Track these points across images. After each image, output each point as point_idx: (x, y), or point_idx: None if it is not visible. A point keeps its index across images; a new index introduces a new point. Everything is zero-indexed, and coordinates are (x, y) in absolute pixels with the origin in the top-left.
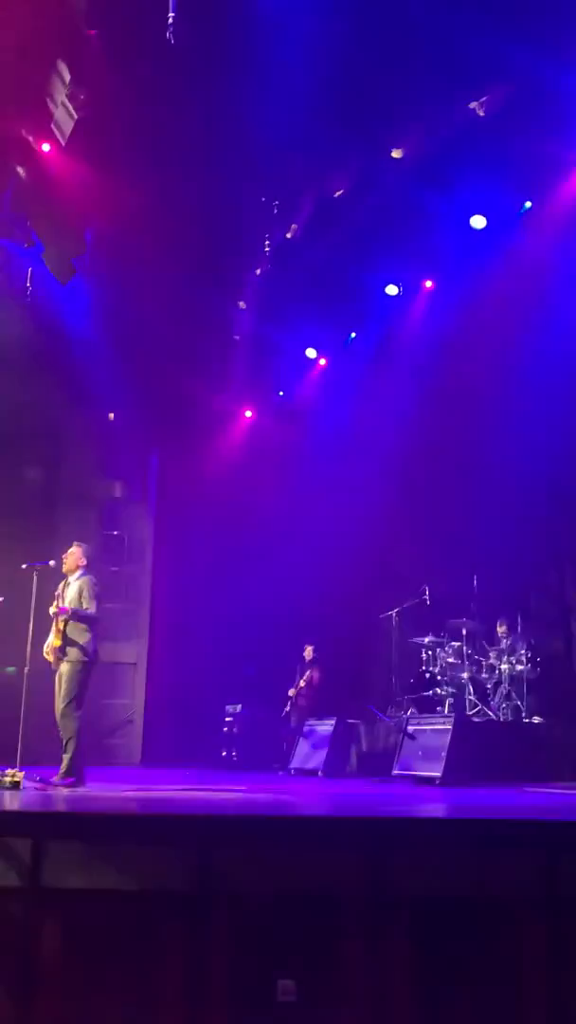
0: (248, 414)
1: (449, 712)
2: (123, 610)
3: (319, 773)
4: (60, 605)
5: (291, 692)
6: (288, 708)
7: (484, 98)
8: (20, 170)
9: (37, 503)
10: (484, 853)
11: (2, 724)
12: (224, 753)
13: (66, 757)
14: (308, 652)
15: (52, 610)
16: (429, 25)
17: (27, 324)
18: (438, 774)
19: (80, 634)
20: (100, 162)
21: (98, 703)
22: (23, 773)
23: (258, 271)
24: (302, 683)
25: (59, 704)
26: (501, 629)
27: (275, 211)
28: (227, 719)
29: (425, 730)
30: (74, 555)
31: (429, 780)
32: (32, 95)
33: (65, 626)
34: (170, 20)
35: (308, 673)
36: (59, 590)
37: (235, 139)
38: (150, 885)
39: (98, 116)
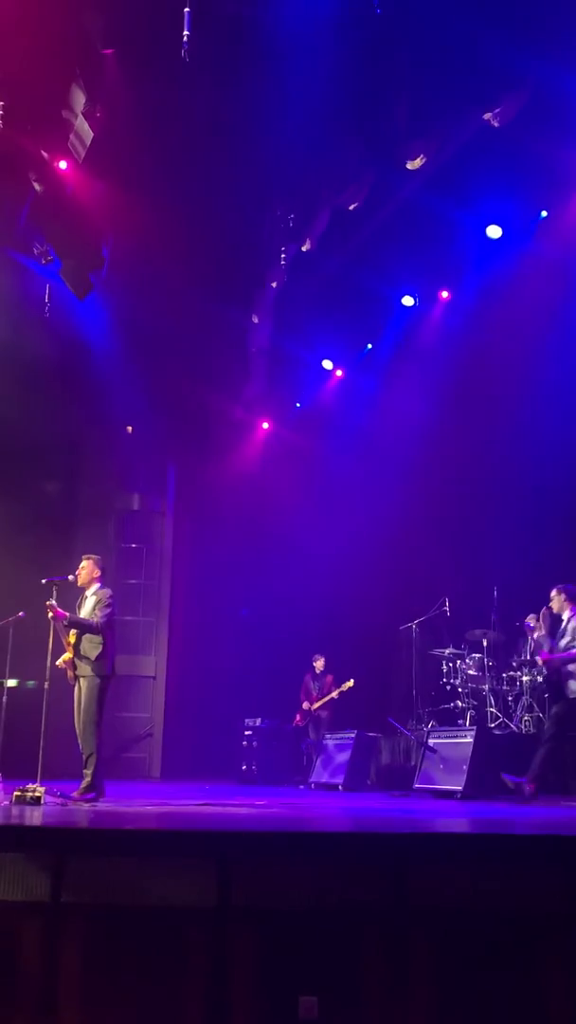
0: (265, 425)
1: (470, 725)
2: (142, 623)
3: (339, 787)
4: (56, 608)
5: (307, 706)
6: (299, 719)
7: (498, 109)
8: (38, 187)
9: (56, 516)
10: (507, 868)
11: (23, 739)
12: (244, 767)
13: (87, 772)
14: (320, 663)
15: (49, 615)
16: (441, 37)
17: (45, 339)
18: (460, 788)
19: (93, 648)
20: (116, 178)
21: (117, 716)
22: (44, 788)
23: (274, 284)
24: (336, 694)
25: (79, 720)
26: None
27: (291, 224)
28: (246, 732)
29: (446, 743)
30: (87, 568)
31: (450, 794)
32: (49, 113)
33: (77, 639)
34: (185, 38)
35: (332, 686)
36: (77, 604)
37: (250, 153)
38: (171, 901)
39: (114, 133)
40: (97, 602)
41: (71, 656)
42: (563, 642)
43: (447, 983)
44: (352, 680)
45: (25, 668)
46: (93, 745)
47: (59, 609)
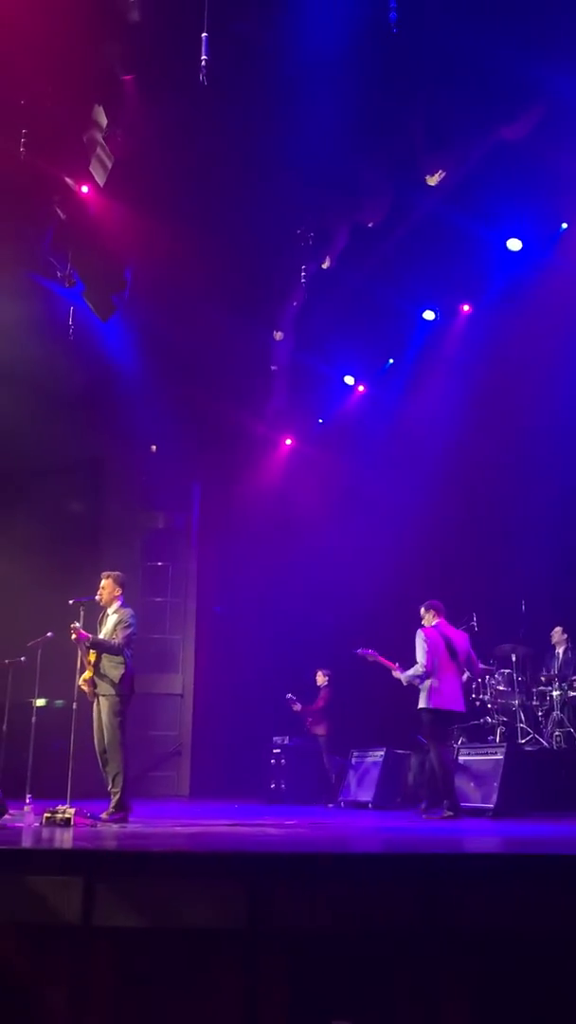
0: (288, 442)
1: (500, 741)
2: (168, 641)
3: (369, 805)
4: (79, 631)
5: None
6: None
7: (515, 122)
8: (60, 212)
9: (82, 536)
10: (542, 889)
11: (52, 759)
12: (272, 785)
13: (115, 792)
14: (320, 678)
15: (72, 636)
16: (456, 52)
17: (70, 360)
18: (491, 806)
19: (113, 668)
20: (137, 201)
21: (145, 735)
22: (74, 809)
23: (295, 303)
24: (297, 709)
25: (103, 740)
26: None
27: (310, 242)
28: (275, 750)
29: (476, 760)
30: (107, 587)
31: (482, 812)
32: (70, 139)
33: (97, 659)
34: (203, 62)
35: (321, 701)
36: (99, 622)
37: (269, 173)
38: (202, 924)
39: (135, 157)
40: (119, 621)
41: (91, 675)
42: None
43: (482, 1007)
44: (299, 706)
45: (54, 688)
46: (119, 764)
47: (82, 631)
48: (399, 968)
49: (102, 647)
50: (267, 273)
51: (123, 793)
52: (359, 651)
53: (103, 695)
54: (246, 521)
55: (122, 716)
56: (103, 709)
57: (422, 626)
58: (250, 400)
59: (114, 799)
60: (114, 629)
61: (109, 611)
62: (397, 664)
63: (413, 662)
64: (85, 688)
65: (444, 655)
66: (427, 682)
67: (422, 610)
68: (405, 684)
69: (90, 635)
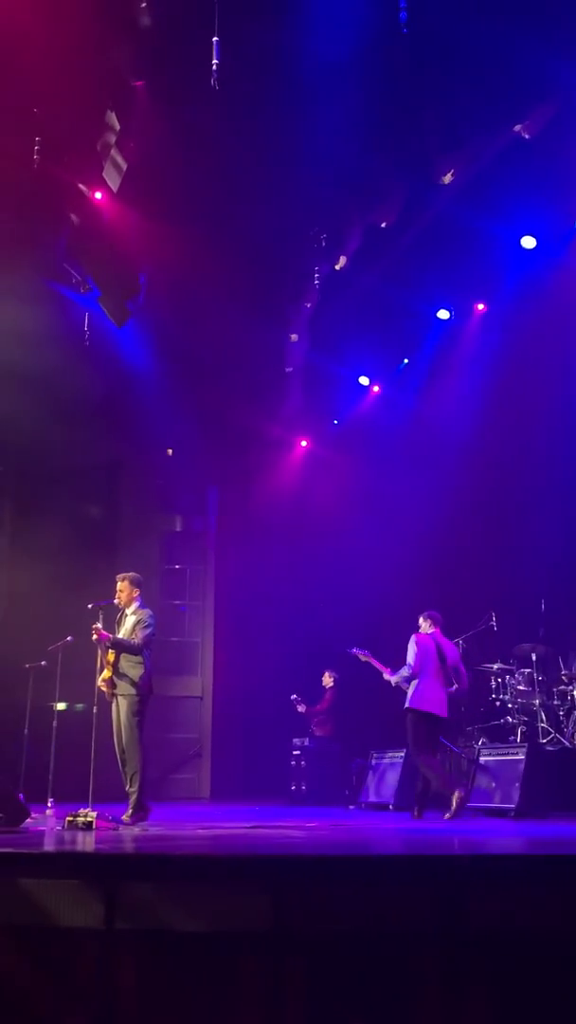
0: (304, 443)
1: (521, 741)
2: (187, 643)
3: (390, 807)
4: (100, 630)
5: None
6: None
7: (528, 120)
8: (74, 218)
9: (100, 539)
10: (565, 890)
11: (73, 763)
12: (293, 787)
13: (132, 792)
14: (327, 679)
15: (93, 637)
16: (468, 51)
17: (86, 365)
18: (513, 806)
19: (132, 667)
20: (151, 206)
21: (165, 737)
22: (95, 813)
23: (308, 304)
24: (300, 710)
25: (121, 739)
26: None
27: (323, 244)
28: (295, 752)
29: (497, 760)
30: (124, 589)
31: (503, 812)
32: (83, 145)
33: (116, 658)
34: (214, 66)
35: (326, 702)
36: (116, 623)
37: (281, 175)
38: (225, 927)
39: (147, 162)
40: (138, 622)
41: (110, 674)
42: None
43: (504, 1010)
44: (304, 707)
45: (74, 692)
46: (137, 763)
47: (103, 631)
48: (421, 970)
49: (122, 646)
50: (281, 275)
51: (141, 793)
52: (353, 650)
53: (121, 695)
54: (263, 523)
55: (140, 716)
56: (121, 709)
57: (417, 632)
58: (265, 402)
59: (132, 799)
60: (133, 629)
61: (127, 612)
62: (388, 668)
63: (404, 665)
64: (104, 688)
65: (434, 661)
66: (413, 683)
67: (420, 619)
68: (394, 685)
69: (111, 635)
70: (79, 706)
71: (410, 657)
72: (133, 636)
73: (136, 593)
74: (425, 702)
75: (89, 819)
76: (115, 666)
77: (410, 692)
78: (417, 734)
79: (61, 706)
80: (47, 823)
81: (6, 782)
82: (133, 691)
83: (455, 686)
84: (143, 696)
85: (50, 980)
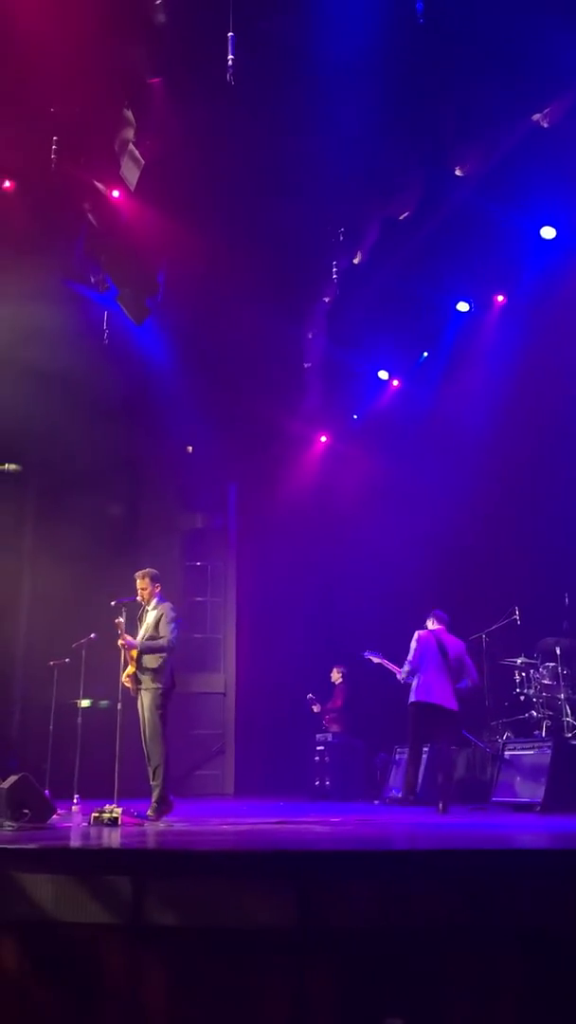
0: (323, 439)
1: (547, 736)
2: (209, 640)
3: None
4: (125, 637)
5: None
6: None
7: (547, 109)
8: (91, 217)
9: (121, 537)
10: None
11: (98, 759)
12: (317, 782)
13: (156, 786)
14: (335, 675)
15: (119, 643)
16: (485, 41)
17: (105, 364)
18: (539, 800)
19: (154, 661)
20: (168, 204)
21: (189, 733)
22: (121, 809)
23: (326, 299)
24: (315, 709)
25: (144, 733)
26: None
27: (341, 238)
28: (318, 748)
29: (522, 755)
30: (144, 586)
31: (529, 807)
32: (100, 144)
33: (139, 654)
34: (230, 62)
35: (337, 699)
36: (138, 619)
37: (298, 170)
38: (251, 922)
39: (164, 159)
40: (160, 617)
41: (134, 670)
42: None
43: (535, 1004)
44: (317, 706)
45: (98, 688)
46: (160, 757)
47: (129, 638)
48: (451, 965)
49: (150, 651)
50: (299, 270)
51: (164, 787)
52: (366, 654)
53: (145, 689)
54: (283, 519)
55: (163, 709)
56: (144, 703)
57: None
58: (284, 398)
59: (155, 793)
60: (156, 625)
61: (148, 608)
62: (399, 668)
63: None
64: (128, 684)
65: (435, 656)
66: (415, 679)
67: (428, 620)
68: (402, 682)
69: (136, 643)
70: (103, 703)
71: (410, 653)
72: (157, 633)
73: (156, 588)
74: (425, 694)
75: (115, 815)
76: (138, 662)
77: (412, 687)
78: (416, 724)
79: (85, 703)
80: (73, 819)
81: (32, 779)
82: (156, 686)
83: (464, 682)
84: (166, 690)
85: (77, 975)
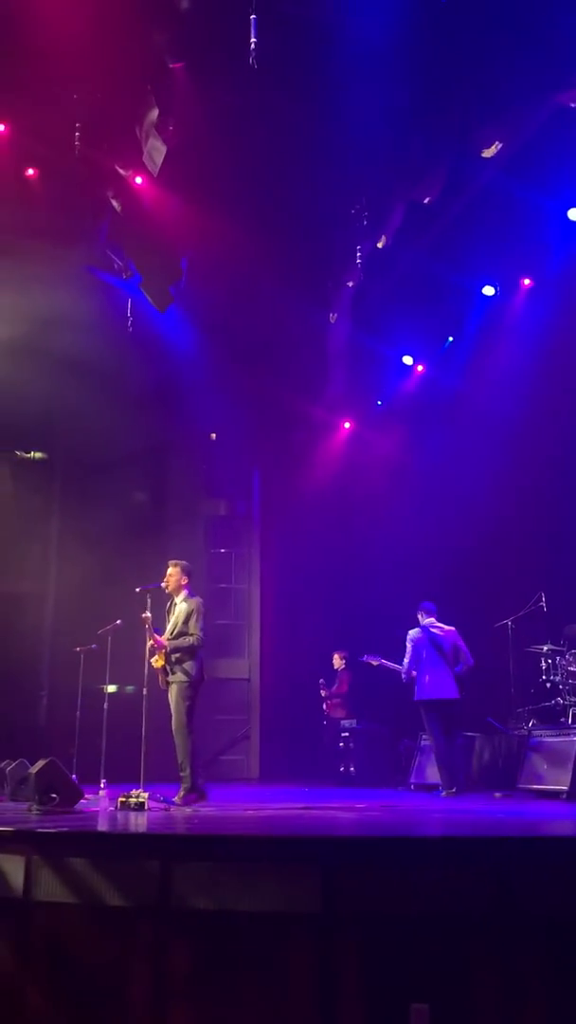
0: (347, 425)
1: (573, 722)
2: (233, 626)
3: (440, 788)
4: (155, 638)
5: (326, 707)
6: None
7: (574, 89)
8: (115, 203)
9: (146, 524)
10: None
11: (124, 744)
12: (342, 768)
13: (184, 775)
14: (337, 661)
15: (149, 644)
16: (509, 20)
17: (129, 352)
18: (565, 787)
19: (185, 655)
20: (191, 189)
21: (213, 719)
22: (147, 794)
23: (350, 283)
24: (323, 693)
25: (173, 723)
26: None
27: (365, 222)
28: (343, 734)
29: (548, 742)
30: (174, 576)
31: (555, 794)
32: (123, 130)
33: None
34: (252, 45)
35: (344, 684)
36: (167, 610)
37: (322, 154)
38: (276, 907)
39: (187, 144)
40: (191, 612)
41: (163, 663)
42: None
43: (564, 993)
44: (324, 683)
45: (124, 674)
46: (187, 747)
47: (159, 638)
48: (477, 952)
49: (180, 651)
50: (323, 255)
51: (193, 776)
52: (364, 657)
53: (174, 681)
54: (307, 505)
55: (191, 701)
56: (172, 694)
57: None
58: (308, 384)
59: (184, 784)
60: (187, 620)
61: (177, 600)
62: (400, 667)
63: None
64: (157, 666)
65: (430, 652)
66: (416, 677)
67: (418, 614)
68: (405, 681)
69: (166, 643)
70: (129, 688)
71: (406, 655)
72: (187, 629)
73: (185, 581)
74: (430, 691)
75: (141, 800)
76: (168, 656)
77: (416, 686)
78: (429, 719)
79: (111, 688)
80: (100, 804)
81: (59, 764)
82: (185, 678)
83: (460, 666)
84: (194, 683)
85: (105, 957)
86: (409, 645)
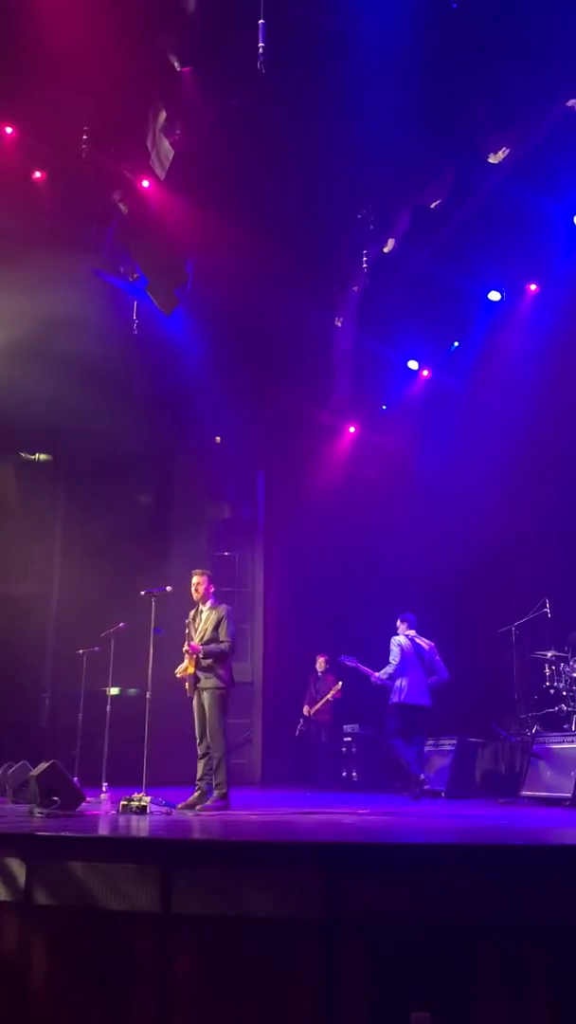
0: (352, 429)
1: None
2: (237, 630)
3: (442, 794)
4: (192, 644)
5: (307, 711)
6: (303, 725)
7: None
8: (122, 206)
9: (150, 527)
10: None
11: (126, 747)
12: (344, 773)
13: (219, 783)
14: (320, 664)
15: (184, 648)
16: (517, 25)
17: (134, 355)
18: (569, 795)
19: (216, 662)
20: (198, 193)
21: None
22: (149, 797)
23: (356, 288)
24: (329, 697)
25: (205, 730)
26: None
27: (371, 227)
28: (345, 739)
29: (552, 748)
30: (201, 584)
31: (559, 801)
32: (130, 134)
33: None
34: (260, 50)
35: (339, 686)
36: (190, 619)
37: (329, 158)
38: (279, 913)
39: (194, 148)
40: (220, 620)
41: (193, 670)
42: None
43: (569, 1003)
44: (341, 683)
45: (126, 676)
46: (222, 751)
47: (195, 644)
48: (479, 960)
49: (212, 656)
50: (329, 259)
51: (227, 782)
52: (341, 658)
53: (206, 688)
54: (311, 509)
55: (224, 707)
56: (206, 701)
57: (395, 634)
58: (313, 388)
59: (217, 791)
60: (215, 627)
61: (203, 608)
62: (373, 672)
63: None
64: (188, 672)
65: (414, 660)
66: (396, 681)
67: (398, 621)
68: (377, 684)
69: (200, 647)
70: (132, 691)
71: (393, 658)
72: (218, 636)
73: (211, 588)
74: (411, 697)
75: (143, 803)
76: (199, 661)
77: (395, 690)
78: (399, 724)
79: (114, 691)
80: (102, 807)
81: (61, 766)
82: (220, 685)
83: (434, 679)
84: (227, 688)
85: (106, 962)
86: (397, 650)
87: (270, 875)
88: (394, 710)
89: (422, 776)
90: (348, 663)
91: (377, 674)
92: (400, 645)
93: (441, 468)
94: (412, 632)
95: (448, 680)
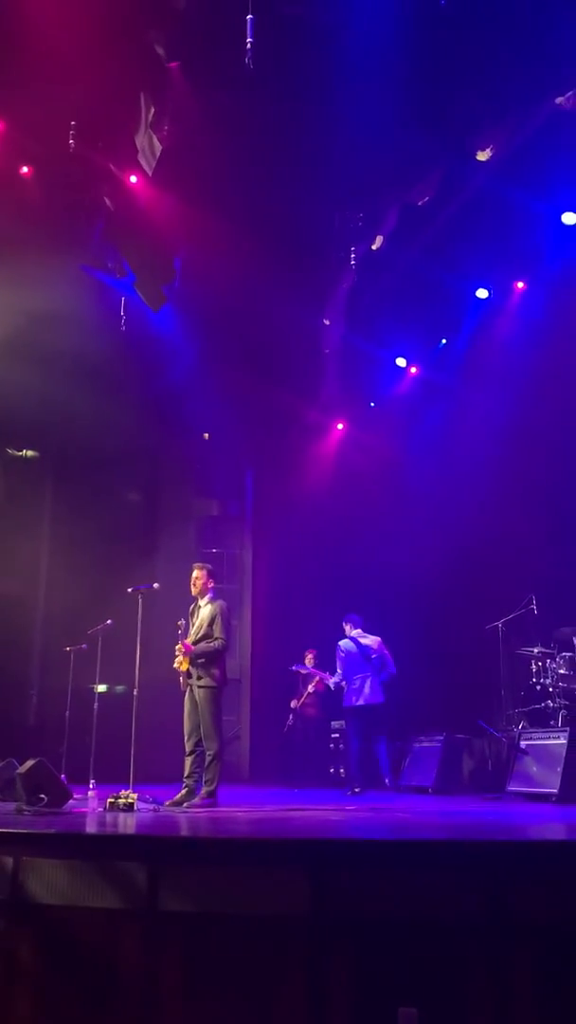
0: (340, 427)
1: (563, 725)
2: None
3: (429, 790)
4: (185, 643)
5: (294, 703)
6: (291, 721)
7: (570, 92)
8: (110, 203)
9: (138, 524)
10: None
11: (114, 744)
12: (331, 769)
13: (209, 780)
14: (309, 660)
15: (178, 647)
16: (505, 22)
17: (122, 351)
18: (554, 790)
19: (210, 659)
20: (186, 189)
21: None
22: (136, 795)
23: (344, 285)
24: (311, 689)
25: (197, 727)
26: None
27: (359, 224)
28: (333, 735)
29: (539, 745)
30: (200, 578)
31: (545, 797)
32: (118, 129)
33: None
34: (248, 45)
35: (317, 680)
36: (190, 611)
37: (317, 155)
38: (266, 910)
39: (182, 144)
40: (215, 615)
41: (187, 666)
42: None
43: (551, 996)
44: (318, 678)
45: (114, 674)
46: (216, 747)
47: (188, 644)
48: (466, 956)
49: (206, 655)
50: (317, 256)
51: (216, 780)
52: (293, 667)
53: (201, 685)
54: (299, 506)
55: (218, 704)
56: (200, 697)
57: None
58: (301, 386)
59: (209, 785)
60: (210, 624)
61: (201, 602)
62: (328, 674)
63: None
64: (181, 669)
65: (358, 661)
66: (346, 684)
67: (343, 623)
68: (333, 689)
69: (194, 647)
70: (119, 688)
71: (337, 667)
72: (212, 631)
73: (212, 584)
74: (357, 699)
75: (130, 800)
76: (193, 658)
77: (346, 694)
78: (355, 725)
79: (102, 688)
80: (89, 804)
81: (49, 764)
82: (213, 683)
83: (384, 674)
84: (221, 685)
85: (92, 960)
86: (342, 655)
87: (257, 872)
88: (347, 713)
89: (358, 788)
90: (301, 671)
91: (331, 679)
92: (345, 650)
93: (429, 465)
94: (357, 632)
95: (395, 674)
